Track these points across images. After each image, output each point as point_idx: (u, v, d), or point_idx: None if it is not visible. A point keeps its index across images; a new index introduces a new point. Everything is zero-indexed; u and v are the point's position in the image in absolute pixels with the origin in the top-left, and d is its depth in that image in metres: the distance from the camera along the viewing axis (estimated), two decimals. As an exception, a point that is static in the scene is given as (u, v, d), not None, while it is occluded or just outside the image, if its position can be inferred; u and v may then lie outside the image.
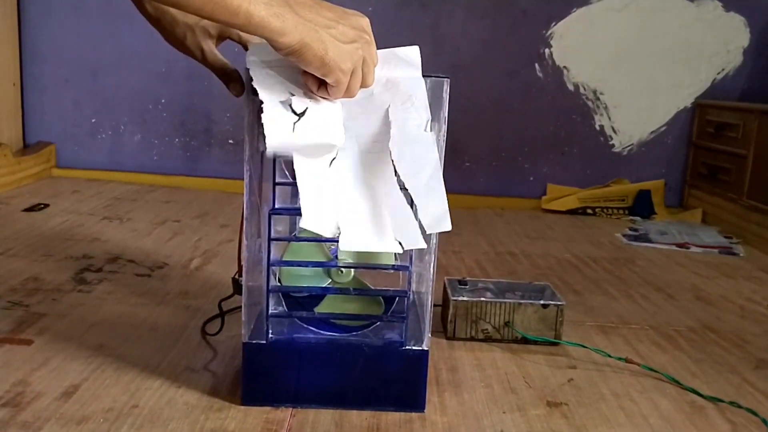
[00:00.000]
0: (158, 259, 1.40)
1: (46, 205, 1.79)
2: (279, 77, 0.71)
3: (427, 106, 0.75)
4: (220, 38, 0.86)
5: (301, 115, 0.70)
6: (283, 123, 0.69)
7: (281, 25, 0.61)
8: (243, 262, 0.82)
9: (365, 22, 0.71)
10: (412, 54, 0.75)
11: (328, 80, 0.68)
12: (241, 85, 0.83)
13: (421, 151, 0.74)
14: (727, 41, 2.21)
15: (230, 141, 2.27)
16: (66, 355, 0.93)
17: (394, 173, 0.74)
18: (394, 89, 0.75)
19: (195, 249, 1.49)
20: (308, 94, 0.71)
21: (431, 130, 0.75)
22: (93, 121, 2.26)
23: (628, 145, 2.28)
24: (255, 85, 0.70)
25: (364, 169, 0.75)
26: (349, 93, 0.70)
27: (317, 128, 0.71)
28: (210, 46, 0.85)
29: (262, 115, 0.69)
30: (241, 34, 0.83)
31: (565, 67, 2.23)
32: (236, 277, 0.93)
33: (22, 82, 2.22)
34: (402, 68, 0.75)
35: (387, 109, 0.74)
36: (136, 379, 0.87)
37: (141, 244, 1.50)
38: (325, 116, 0.72)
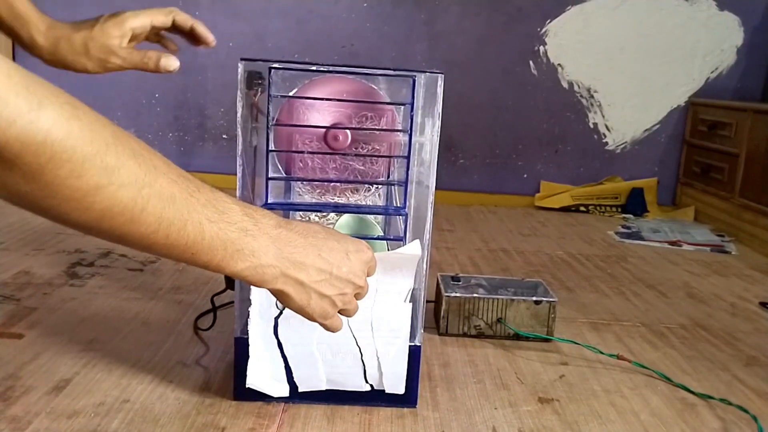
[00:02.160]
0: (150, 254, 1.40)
1: (38, 199, 1.78)
2: None
3: (413, 275, 0.78)
4: (125, 31, 0.82)
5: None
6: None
7: (259, 279, 0.57)
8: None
9: (363, 261, 0.65)
10: (412, 251, 0.76)
11: None
12: (157, 55, 0.81)
13: (397, 321, 0.79)
14: (721, 40, 2.22)
15: (224, 136, 2.26)
16: (57, 349, 0.92)
17: (370, 330, 0.80)
18: (384, 262, 0.74)
19: (188, 244, 1.48)
20: None
21: (410, 301, 0.79)
22: (86, 115, 2.25)
23: (622, 143, 2.29)
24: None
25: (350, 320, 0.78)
26: (331, 330, 0.67)
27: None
28: (118, 55, 0.82)
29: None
30: (138, 17, 0.81)
31: (559, 64, 2.23)
32: (229, 272, 0.93)
33: (14, 76, 2.21)
34: (397, 270, 0.77)
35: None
36: (127, 374, 0.87)
37: (133, 239, 1.50)
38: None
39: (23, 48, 0.87)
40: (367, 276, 0.67)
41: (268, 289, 0.60)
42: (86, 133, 0.41)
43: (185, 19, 0.85)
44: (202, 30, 0.85)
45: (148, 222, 0.47)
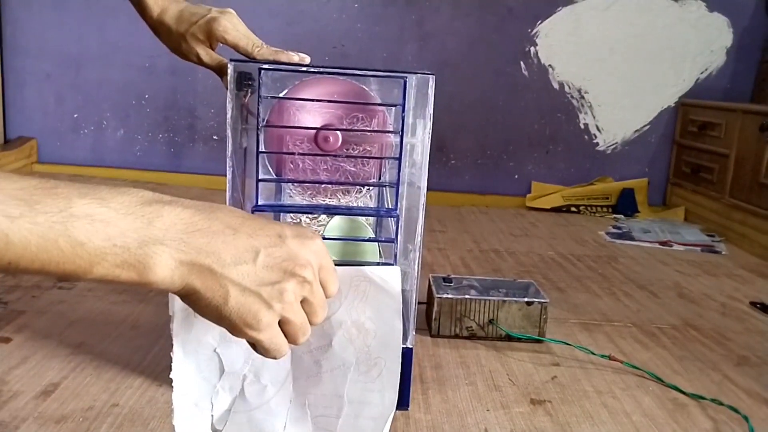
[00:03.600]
0: (140, 255, 1.39)
1: (27, 201, 1.77)
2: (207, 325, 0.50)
3: (396, 386, 0.57)
4: (211, 41, 0.88)
5: (222, 415, 0.51)
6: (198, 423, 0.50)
7: (139, 275, 0.42)
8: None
9: (310, 250, 0.48)
10: (390, 277, 0.56)
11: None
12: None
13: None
14: (710, 41, 2.23)
15: (214, 137, 2.25)
16: (45, 353, 0.91)
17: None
18: (358, 343, 0.55)
19: (178, 246, 1.48)
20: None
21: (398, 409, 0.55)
22: (75, 116, 2.24)
23: (612, 144, 2.30)
24: (174, 348, 0.52)
25: None
26: (271, 354, 0.47)
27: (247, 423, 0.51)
28: (204, 50, 0.88)
29: (173, 412, 0.50)
30: (227, 38, 0.85)
31: (550, 65, 2.24)
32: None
33: (3, 77, 2.19)
34: (375, 298, 0.56)
35: (347, 377, 0.55)
36: (116, 378, 0.86)
37: (123, 241, 1.48)
38: (260, 397, 0.52)
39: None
40: (325, 287, 0.49)
41: (172, 292, 0.44)
42: None
43: (265, 55, 0.83)
44: (286, 59, 0.82)
45: None
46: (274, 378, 0.54)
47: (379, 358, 0.56)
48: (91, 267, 0.40)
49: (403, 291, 0.87)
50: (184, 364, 0.52)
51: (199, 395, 0.51)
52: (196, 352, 0.52)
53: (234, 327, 0.45)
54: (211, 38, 0.87)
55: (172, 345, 0.98)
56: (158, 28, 0.90)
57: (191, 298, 0.44)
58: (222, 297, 0.44)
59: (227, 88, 0.79)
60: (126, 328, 1.02)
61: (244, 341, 0.47)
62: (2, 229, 0.37)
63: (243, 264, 0.44)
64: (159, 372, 0.88)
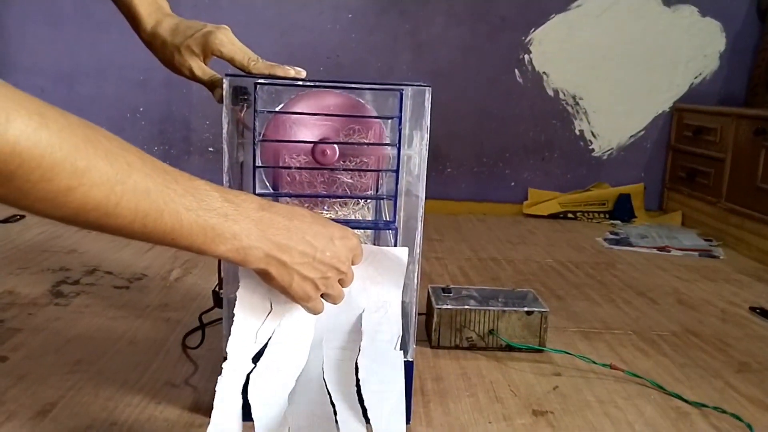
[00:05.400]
0: (137, 270, 1.38)
1: (22, 216, 1.76)
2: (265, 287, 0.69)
3: (399, 320, 0.74)
4: (206, 55, 0.87)
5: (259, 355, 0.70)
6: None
7: (242, 259, 0.60)
8: (223, 274, 0.81)
9: (348, 248, 0.67)
10: (400, 255, 0.74)
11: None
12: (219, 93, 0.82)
13: (387, 372, 0.73)
14: (703, 46, 2.24)
15: (210, 149, 2.25)
16: (42, 371, 0.91)
17: (354, 386, 0.72)
18: (370, 292, 0.74)
19: (174, 260, 1.47)
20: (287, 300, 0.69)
21: (401, 349, 0.74)
22: (69, 130, 2.23)
23: (608, 150, 2.30)
24: (237, 306, 0.69)
25: (327, 373, 0.74)
26: (314, 313, 0.69)
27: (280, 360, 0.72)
28: (197, 63, 0.88)
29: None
30: (223, 51, 0.84)
31: (544, 72, 2.24)
32: (216, 289, 0.91)
33: (-4, 92, 2.19)
34: (385, 268, 0.74)
35: (360, 315, 0.74)
36: (114, 396, 0.85)
37: (119, 256, 1.48)
38: (293, 336, 0.72)
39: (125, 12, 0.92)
40: (352, 264, 0.68)
41: (253, 269, 0.62)
42: (54, 140, 0.44)
43: (261, 69, 0.83)
44: (281, 73, 0.82)
45: (123, 215, 0.50)
46: (303, 318, 0.72)
47: (386, 302, 0.75)
48: (217, 248, 0.58)
49: (403, 303, 0.86)
50: (245, 299, 0.69)
51: (252, 322, 0.70)
52: (253, 292, 0.70)
53: (293, 299, 0.65)
54: (207, 51, 0.86)
55: (170, 361, 0.97)
56: (152, 41, 0.90)
57: (267, 277, 0.63)
58: (288, 281, 0.63)
59: (219, 102, 0.79)
60: (124, 344, 1.01)
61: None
62: (181, 217, 0.54)
63: (305, 258, 0.63)
64: (158, 388, 0.87)
